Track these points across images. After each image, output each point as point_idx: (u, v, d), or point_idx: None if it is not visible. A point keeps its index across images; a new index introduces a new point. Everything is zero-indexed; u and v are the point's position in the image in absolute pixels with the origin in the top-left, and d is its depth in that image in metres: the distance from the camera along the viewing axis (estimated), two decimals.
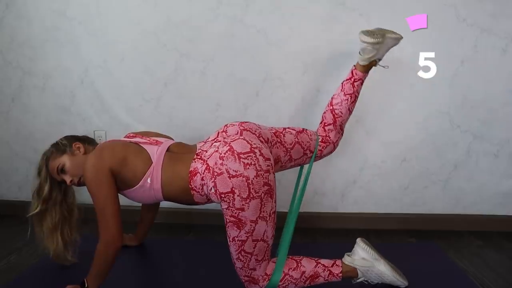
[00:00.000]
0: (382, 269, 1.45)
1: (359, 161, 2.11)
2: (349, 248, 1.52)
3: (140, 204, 1.87)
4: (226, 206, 1.34)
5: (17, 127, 2.24)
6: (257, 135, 1.47)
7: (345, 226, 2.13)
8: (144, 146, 1.49)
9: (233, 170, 1.31)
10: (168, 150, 1.51)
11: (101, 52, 2.10)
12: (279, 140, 1.57)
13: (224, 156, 1.33)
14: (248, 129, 1.48)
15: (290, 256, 1.46)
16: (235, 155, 1.33)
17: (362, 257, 1.46)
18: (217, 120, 2.10)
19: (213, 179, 1.33)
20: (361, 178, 2.13)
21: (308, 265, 1.44)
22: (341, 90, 1.71)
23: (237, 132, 1.46)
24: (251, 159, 1.33)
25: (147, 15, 2.04)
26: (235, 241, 1.37)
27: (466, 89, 2.00)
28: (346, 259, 1.47)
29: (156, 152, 1.46)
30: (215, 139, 1.49)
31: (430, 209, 2.13)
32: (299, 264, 1.44)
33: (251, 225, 1.33)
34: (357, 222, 2.15)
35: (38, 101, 2.19)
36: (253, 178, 1.31)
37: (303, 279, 1.42)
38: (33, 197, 1.54)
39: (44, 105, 2.19)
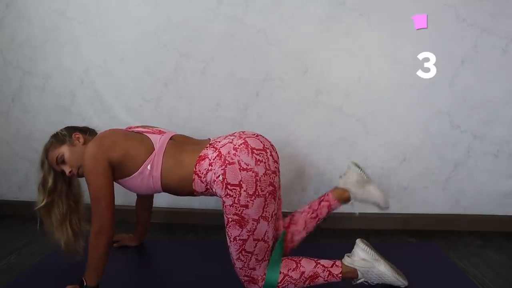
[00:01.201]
0: (382, 270, 1.45)
1: (359, 161, 2.09)
2: (349, 248, 1.52)
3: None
4: (231, 203, 1.34)
5: (17, 127, 2.24)
6: (270, 143, 1.49)
7: (345, 226, 2.13)
8: (147, 134, 1.50)
9: (245, 163, 1.32)
10: (171, 139, 1.51)
11: (101, 52, 2.10)
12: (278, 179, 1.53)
13: (238, 148, 1.35)
14: (264, 136, 1.49)
15: (290, 257, 1.47)
16: (249, 149, 1.35)
17: (362, 258, 1.46)
18: (217, 120, 2.10)
19: (223, 166, 1.34)
20: None
21: (307, 265, 1.44)
22: (308, 203, 1.70)
23: (254, 134, 1.48)
24: (262, 156, 1.35)
25: (147, 15, 2.04)
26: (236, 240, 1.37)
27: (466, 89, 1.99)
28: (346, 260, 1.46)
29: (159, 140, 1.47)
30: (230, 134, 1.50)
31: (430, 209, 2.13)
32: (299, 265, 1.43)
33: (253, 223, 1.34)
34: (357, 222, 2.15)
35: (38, 101, 2.19)
36: (262, 176, 1.32)
37: (303, 280, 1.42)
38: (39, 190, 1.54)
39: (44, 105, 2.19)
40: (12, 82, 2.18)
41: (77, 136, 1.54)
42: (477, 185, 2.09)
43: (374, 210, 2.13)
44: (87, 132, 1.59)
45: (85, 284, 1.35)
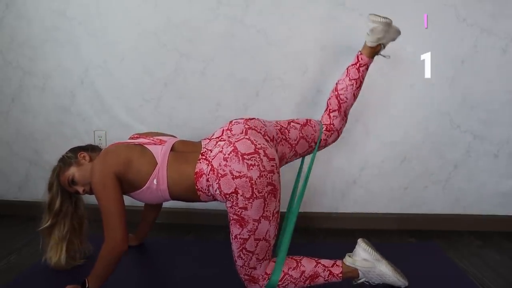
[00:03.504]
0: (384, 270, 1.45)
1: (359, 161, 2.11)
2: (350, 248, 1.52)
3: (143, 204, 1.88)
4: (230, 205, 1.35)
5: (17, 127, 2.24)
6: (263, 133, 1.48)
7: (345, 226, 2.13)
8: (148, 146, 1.49)
9: (237, 171, 1.31)
10: (172, 149, 1.51)
11: (101, 52, 2.10)
12: (284, 137, 1.58)
13: (228, 157, 1.34)
14: (253, 127, 1.48)
15: (290, 256, 1.47)
16: (239, 156, 1.33)
17: (364, 258, 1.46)
18: (217, 120, 2.09)
19: (217, 180, 1.34)
20: (361, 178, 2.13)
21: (308, 265, 1.44)
22: (346, 75, 1.71)
23: (242, 131, 1.46)
24: (254, 160, 1.33)
25: (147, 15, 2.04)
26: (237, 239, 1.37)
27: (466, 89, 2.00)
28: (347, 260, 1.46)
29: (160, 152, 1.47)
30: (219, 137, 1.49)
31: (430, 209, 2.13)
32: (299, 264, 1.44)
33: (253, 224, 1.34)
34: (357, 222, 2.15)
35: (38, 101, 2.19)
36: (257, 179, 1.31)
37: (303, 279, 1.42)
38: (45, 211, 1.57)
39: (44, 105, 2.19)
40: (12, 82, 2.18)
41: (82, 155, 1.56)
42: (477, 185, 2.09)
43: (374, 210, 2.15)
44: (91, 149, 1.61)
45: (87, 285, 1.35)
